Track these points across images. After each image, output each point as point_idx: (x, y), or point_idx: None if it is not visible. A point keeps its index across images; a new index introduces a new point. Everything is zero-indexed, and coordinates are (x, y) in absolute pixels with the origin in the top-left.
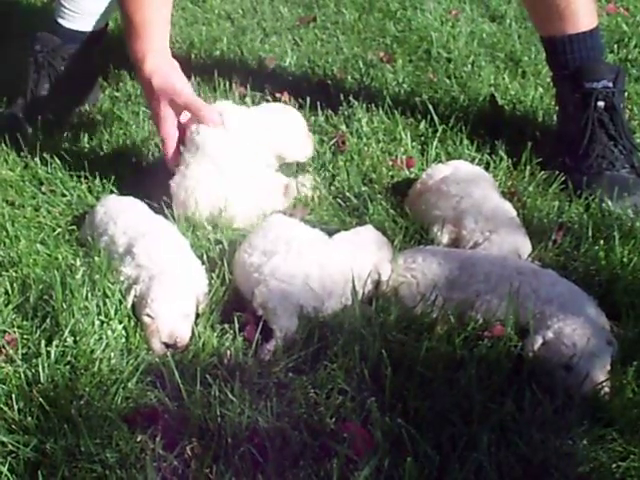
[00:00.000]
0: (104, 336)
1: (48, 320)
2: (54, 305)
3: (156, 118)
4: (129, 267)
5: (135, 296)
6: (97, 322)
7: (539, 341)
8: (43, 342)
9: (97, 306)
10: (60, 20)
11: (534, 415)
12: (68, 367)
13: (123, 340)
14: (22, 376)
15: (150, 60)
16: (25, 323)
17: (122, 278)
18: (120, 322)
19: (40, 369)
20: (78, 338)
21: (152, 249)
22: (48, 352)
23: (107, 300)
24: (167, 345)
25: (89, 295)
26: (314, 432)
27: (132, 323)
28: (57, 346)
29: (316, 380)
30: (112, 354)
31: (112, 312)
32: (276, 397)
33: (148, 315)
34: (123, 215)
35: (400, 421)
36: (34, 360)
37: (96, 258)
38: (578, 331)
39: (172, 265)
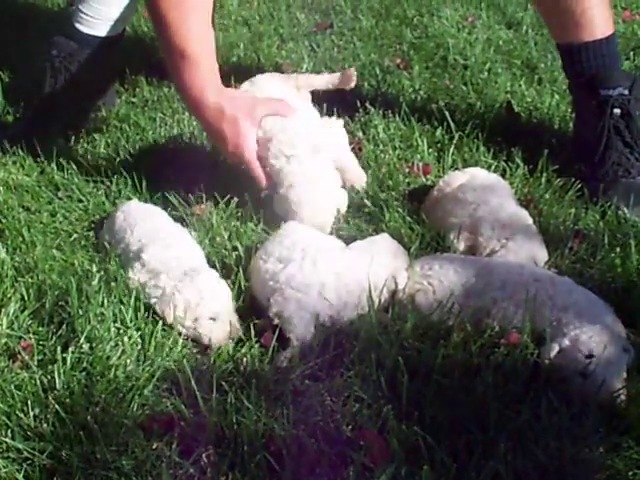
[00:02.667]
0: (120, 343)
1: (64, 326)
2: (70, 311)
3: (238, 140)
4: (141, 273)
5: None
6: (113, 329)
7: (555, 348)
8: (59, 348)
9: (113, 313)
10: (78, 25)
11: (551, 423)
12: (84, 374)
13: (139, 347)
14: (38, 382)
15: (212, 89)
16: (41, 329)
17: (136, 282)
18: (137, 329)
19: (56, 375)
20: (94, 344)
21: (165, 255)
22: (64, 358)
23: (123, 307)
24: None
25: (105, 301)
26: (330, 440)
27: (148, 330)
28: (73, 352)
29: (332, 388)
30: (128, 361)
31: (128, 319)
32: (292, 404)
33: (211, 318)
34: (142, 223)
35: (416, 429)
36: (50, 366)
37: (112, 264)
38: (594, 338)
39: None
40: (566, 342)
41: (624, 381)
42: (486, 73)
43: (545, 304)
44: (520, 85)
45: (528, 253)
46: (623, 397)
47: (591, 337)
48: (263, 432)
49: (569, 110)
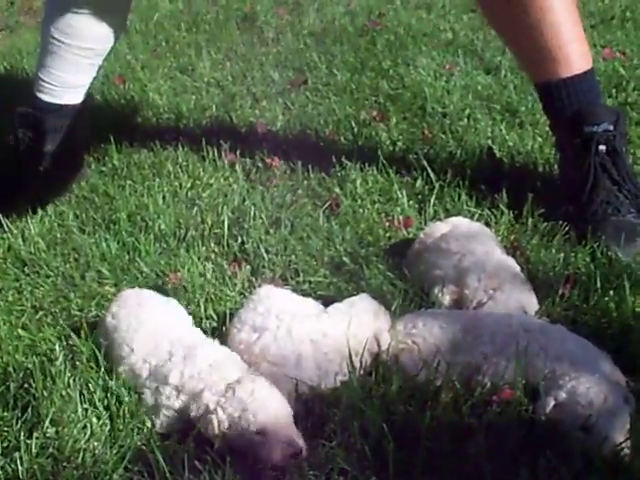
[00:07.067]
0: (88, 424)
1: (29, 410)
2: (35, 393)
3: None
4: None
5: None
6: (80, 410)
7: (551, 403)
8: (23, 434)
9: (80, 392)
10: (39, 94)
11: None
12: (50, 460)
13: (108, 427)
14: (0, 473)
15: None
16: (6, 414)
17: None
18: (106, 408)
19: (19, 464)
20: (60, 428)
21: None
22: (28, 444)
23: (90, 385)
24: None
25: (70, 382)
26: None
27: (116, 408)
28: (38, 438)
29: (314, 460)
30: (96, 443)
31: (96, 398)
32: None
33: (257, 432)
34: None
35: None
36: (14, 454)
37: (77, 340)
38: (593, 389)
39: (243, 371)
40: (562, 395)
41: (627, 433)
42: (465, 120)
43: (537, 355)
44: (501, 130)
45: (517, 303)
46: (627, 450)
47: (589, 388)
48: None
49: (552, 152)
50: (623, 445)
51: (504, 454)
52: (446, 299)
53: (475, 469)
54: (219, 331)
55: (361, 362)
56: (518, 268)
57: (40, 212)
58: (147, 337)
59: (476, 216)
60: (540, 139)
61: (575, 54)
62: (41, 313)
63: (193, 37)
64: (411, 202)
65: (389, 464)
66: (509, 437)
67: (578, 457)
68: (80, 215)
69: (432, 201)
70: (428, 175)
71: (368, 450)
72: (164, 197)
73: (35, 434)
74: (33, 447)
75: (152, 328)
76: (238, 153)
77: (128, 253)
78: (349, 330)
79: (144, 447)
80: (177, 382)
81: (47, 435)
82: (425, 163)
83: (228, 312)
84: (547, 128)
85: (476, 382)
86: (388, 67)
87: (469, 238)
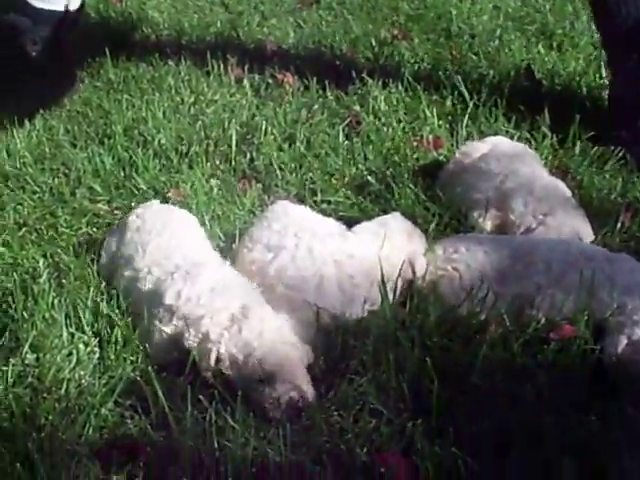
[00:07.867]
0: (74, 351)
1: (7, 333)
2: (14, 315)
3: None
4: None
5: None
6: (65, 334)
7: (623, 341)
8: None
9: (66, 315)
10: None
11: (624, 433)
12: (28, 389)
13: (97, 355)
14: None
15: None
16: None
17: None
18: (95, 334)
19: None
20: (41, 354)
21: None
22: (3, 372)
23: (79, 307)
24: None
25: (55, 302)
26: (340, 466)
27: (107, 334)
28: (15, 364)
29: (340, 399)
30: (82, 372)
31: (84, 322)
32: (290, 422)
33: (261, 380)
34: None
35: (453, 449)
36: None
37: (65, 257)
38: None
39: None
40: (638, 332)
41: None
42: (497, 40)
43: (603, 286)
44: (538, 51)
45: (571, 229)
46: None
47: None
48: (253, 458)
49: (598, 76)
50: None
51: (567, 399)
52: (487, 224)
53: (533, 416)
54: (227, 251)
55: (394, 289)
56: (569, 192)
57: (28, 126)
58: (163, 244)
59: (515, 138)
60: (583, 62)
61: None
62: (24, 230)
63: None
64: (441, 122)
65: (432, 406)
66: (572, 380)
67: None
68: (72, 129)
69: (465, 121)
70: (460, 94)
71: (405, 389)
72: (164, 112)
73: (12, 360)
74: (9, 375)
75: (171, 236)
76: (246, 69)
77: (124, 169)
78: (380, 252)
79: (138, 378)
80: (172, 302)
81: (26, 362)
82: (457, 81)
83: (238, 232)
84: (590, 51)
85: (528, 317)
86: None
87: (512, 158)
